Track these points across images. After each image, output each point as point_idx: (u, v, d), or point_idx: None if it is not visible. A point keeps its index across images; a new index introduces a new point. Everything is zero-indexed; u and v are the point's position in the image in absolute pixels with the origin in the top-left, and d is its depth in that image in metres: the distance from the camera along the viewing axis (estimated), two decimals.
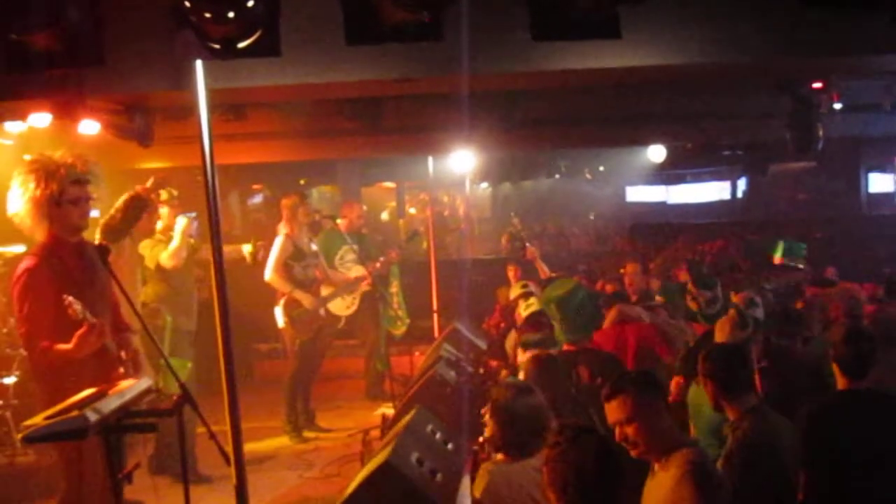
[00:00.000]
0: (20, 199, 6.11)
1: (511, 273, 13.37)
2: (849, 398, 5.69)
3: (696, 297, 8.25)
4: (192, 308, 9.51)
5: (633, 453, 4.79)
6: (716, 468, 4.79)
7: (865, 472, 5.34)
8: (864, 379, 5.68)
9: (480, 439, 6.26)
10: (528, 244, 11.61)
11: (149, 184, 8.24)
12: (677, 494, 4.50)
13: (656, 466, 4.77)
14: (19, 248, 9.09)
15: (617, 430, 4.77)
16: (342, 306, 11.61)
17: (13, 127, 8.37)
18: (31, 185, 6.11)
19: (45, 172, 6.04)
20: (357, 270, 11.93)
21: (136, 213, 8.19)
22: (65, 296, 5.70)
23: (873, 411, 5.58)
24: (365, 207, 14.41)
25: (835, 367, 5.79)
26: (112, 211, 8.06)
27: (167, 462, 8.46)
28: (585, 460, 3.96)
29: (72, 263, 6.17)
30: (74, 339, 5.78)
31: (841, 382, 5.75)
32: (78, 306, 5.70)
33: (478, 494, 5.48)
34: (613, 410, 4.77)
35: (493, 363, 9.56)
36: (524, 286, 10.25)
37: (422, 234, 16.12)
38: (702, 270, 10.67)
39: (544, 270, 11.57)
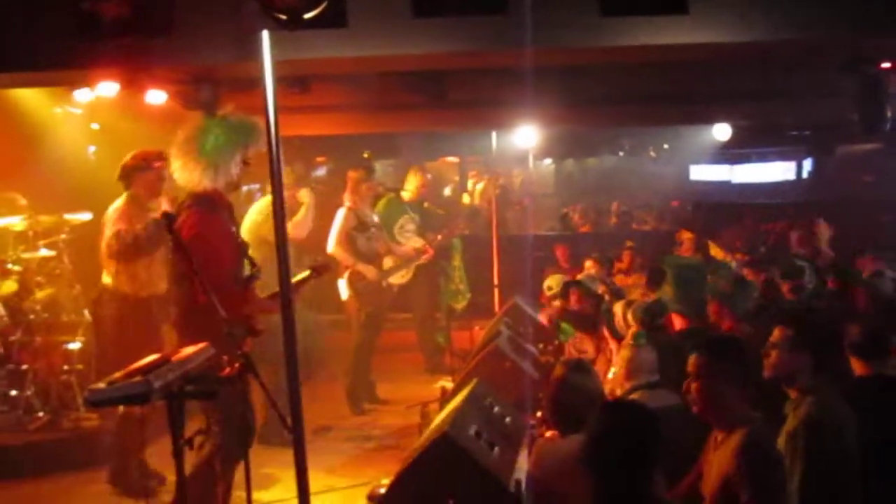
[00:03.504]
0: (218, 147, 6.32)
1: (560, 253, 13.36)
2: (870, 384, 5.65)
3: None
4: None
5: (693, 409, 4.89)
6: (774, 448, 4.76)
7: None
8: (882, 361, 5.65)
9: (539, 414, 6.26)
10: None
11: None
12: (731, 472, 4.52)
13: (719, 438, 4.78)
14: (86, 216, 9.20)
15: (687, 384, 4.88)
16: (396, 276, 11.60)
17: (81, 96, 8.45)
18: (241, 138, 6.37)
19: (259, 132, 6.25)
20: (415, 241, 11.93)
21: None
22: None
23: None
24: (429, 176, 14.32)
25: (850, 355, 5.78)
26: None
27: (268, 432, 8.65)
28: (609, 435, 3.96)
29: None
30: None
31: (858, 368, 5.71)
32: None
33: (531, 468, 5.51)
34: (689, 363, 4.88)
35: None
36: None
37: (482, 212, 16.21)
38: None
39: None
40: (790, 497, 4.83)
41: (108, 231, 7.76)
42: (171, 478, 5.83)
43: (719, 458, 4.66)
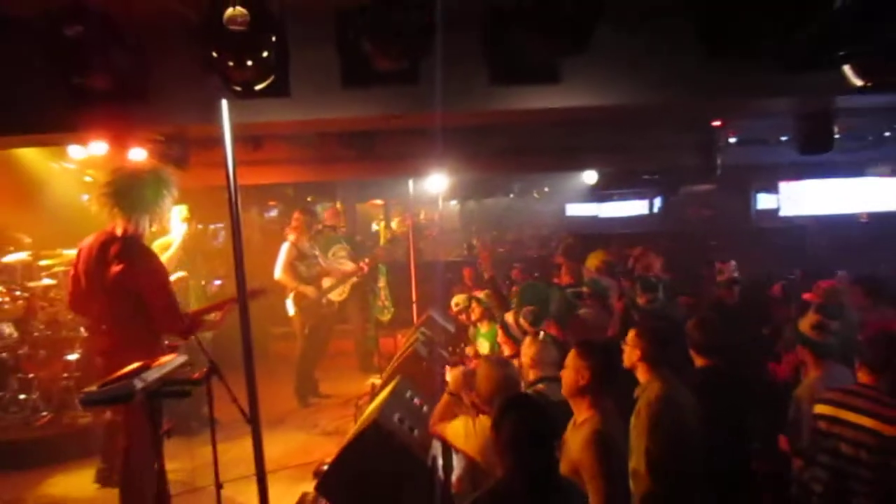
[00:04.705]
0: (158, 199, 6.29)
1: (466, 274, 13.43)
2: (708, 373, 5.75)
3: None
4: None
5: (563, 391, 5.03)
6: (615, 440, 4.80)
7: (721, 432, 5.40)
8: (715, 356, 5.76)
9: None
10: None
11: None
12: (582, 455, 4.59)
13: (578, 419, 4.87)
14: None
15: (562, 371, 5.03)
16: (335, 294, 11.63)
17: (75, 153, 8.32)
18: (171, 190, 6.40)
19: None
20: (347, 264, 11.98)
21: None
22: None
23: (726, 383, 5.66)
24: (338, 205, 14.15)
25: (691, 350, 5.89)
26: None
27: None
28: (507, 425, 3.95)
29: None
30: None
31: (698, 360, 5.82)
32: None
33: (453, 437, 5.53)
34: (568, 358, 5.01)
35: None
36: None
37: (399, 238, 16.31)
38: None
39: None
40: (638, 467, 4.90)
41: None
42: None
43: (574, 439, 4.72)
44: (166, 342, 6.60)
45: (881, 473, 4.87)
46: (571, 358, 4.99)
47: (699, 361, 5.83)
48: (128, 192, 6.18)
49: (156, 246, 9.30)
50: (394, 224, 21.97)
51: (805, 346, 6.06)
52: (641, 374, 5.36)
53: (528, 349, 6.41)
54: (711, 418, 5.31)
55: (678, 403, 5.13)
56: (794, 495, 5.48)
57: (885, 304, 7.90)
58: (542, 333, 6.63)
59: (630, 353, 5.40)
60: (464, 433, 5.47)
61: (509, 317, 7.69)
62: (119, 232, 6.18)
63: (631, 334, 5.48)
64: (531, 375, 6.21)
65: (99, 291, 6.13)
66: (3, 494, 7.06)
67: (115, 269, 6.02)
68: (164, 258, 9.16)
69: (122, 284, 6.01)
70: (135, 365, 5.04)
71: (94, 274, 6.14)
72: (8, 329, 9.65)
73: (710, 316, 6.40)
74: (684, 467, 4.99)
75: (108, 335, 6.17)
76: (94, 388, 4.74)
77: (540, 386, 6.01)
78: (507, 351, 7.41)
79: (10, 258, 9.98)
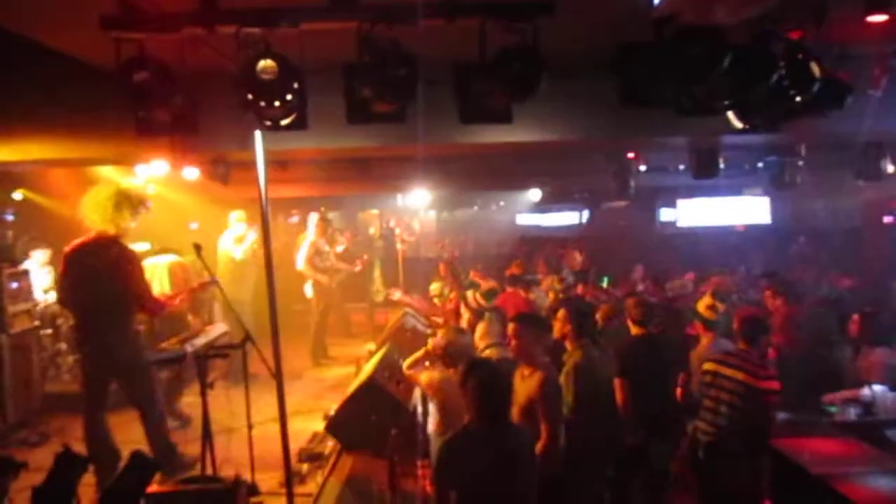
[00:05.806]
0: (122, 212, 6.14)
1: (441, 268, 13.48)
2: (643, 339, 5.77)
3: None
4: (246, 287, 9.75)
5: (511, 355, 5.11)
6: (559, 384, 4.90)
7: (651, 384, 5.42)
8: (647, 327, 5.79)
9: (427, 363, 6.24)
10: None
11: None
12: (536, 397, 4.64)
13: (526, 373, 4.85)
14: (145, 246, 8.91)
15: (509, 340, 5.06)
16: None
17: (141, 171, 8.27)
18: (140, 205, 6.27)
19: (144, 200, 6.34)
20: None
21: None
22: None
23: (654, 348, 5.68)
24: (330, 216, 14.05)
25: (629, 322, 5.90)
26: None
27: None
28: (472, 382, 3.94)
29: None
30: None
31: (634, 330, 5.84)
32: None
33: (426, 385, 5.54)
34: (510, 329, 5.03)
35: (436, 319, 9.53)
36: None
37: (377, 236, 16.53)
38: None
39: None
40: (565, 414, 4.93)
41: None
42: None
43: (526, 386, 4.73)
44: (141, 326, 6.43)
45: (749, 413, 5.08)
46: (523, 328, 5.00)
47: (635, 331, 5.83)
48: (97, 205, 6.06)
49: (234, 238, 9.42)
50: (373, 230, 21.91)
51: (699, 321, 6.22)
52: (568, 343, 5.41)
53: (479, 326, 6.53)
54: (644, 373, 5.40)
55: (595, 367, 5.23)
56: (686, 431, 5.61)
57: (790, 298, 7.87)
58: (487, 314, 6.75)
59: (559, 327, 5.44)
60: (437, 385, 5.49)
61: (469, 293, 7.80)
62: (99, 235, 6.06)
63: (560, 312, 5.52)
64: (481, 344, 6.28)
65: (86, 283, 5.95)
66: (75, 433, 6.95)
67: (103, 263, 5.89)
68: (241, 251, 9.33)
69: (109, 274, 5.88)
70: (184, 334, 5.02)
71: (82, 269, 5.96)
72: None
73: (645, 297, 6.46)
74: (597, 413, 5.12)
75: (91, 319, 5.96)
76: (153, 351, 4.72)
77: (487, 351, 6.09)
78: (465, 315, 7.53)
79: None
